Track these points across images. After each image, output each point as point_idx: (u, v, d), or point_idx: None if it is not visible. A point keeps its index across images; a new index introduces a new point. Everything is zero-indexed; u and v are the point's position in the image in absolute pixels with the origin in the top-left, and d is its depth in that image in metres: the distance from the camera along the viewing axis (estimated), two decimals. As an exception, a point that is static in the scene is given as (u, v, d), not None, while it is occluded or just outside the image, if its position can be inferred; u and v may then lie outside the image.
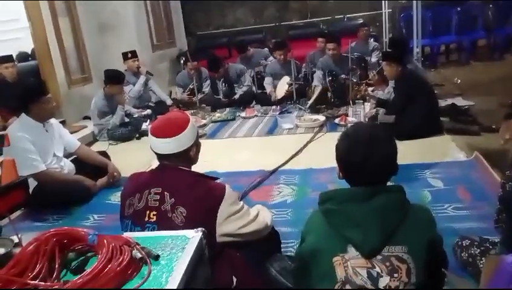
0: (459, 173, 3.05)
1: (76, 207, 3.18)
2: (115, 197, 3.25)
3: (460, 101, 4.78)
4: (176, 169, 1.66)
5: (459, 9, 7.55)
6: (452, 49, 8.05)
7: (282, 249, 2.06)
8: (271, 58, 6.55)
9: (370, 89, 5.10)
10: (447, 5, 7.72)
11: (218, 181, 1.72)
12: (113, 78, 4.75)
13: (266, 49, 7.17)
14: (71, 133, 3.93)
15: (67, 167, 3.37)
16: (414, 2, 6.06)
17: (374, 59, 6.34)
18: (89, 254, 1.17)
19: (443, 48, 7.89)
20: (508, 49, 7.51)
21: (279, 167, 3.54)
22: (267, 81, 5.87)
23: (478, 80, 5.96)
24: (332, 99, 5.27)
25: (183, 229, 1.40)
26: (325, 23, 8.83)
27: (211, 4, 9.56)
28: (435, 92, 4.35)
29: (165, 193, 1.59)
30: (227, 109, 5.76)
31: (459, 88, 5.53)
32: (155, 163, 1.73)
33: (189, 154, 1.70)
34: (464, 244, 1.93)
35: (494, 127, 3.69)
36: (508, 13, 7.50)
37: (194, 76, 5.73)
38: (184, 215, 1.55)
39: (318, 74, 5.64)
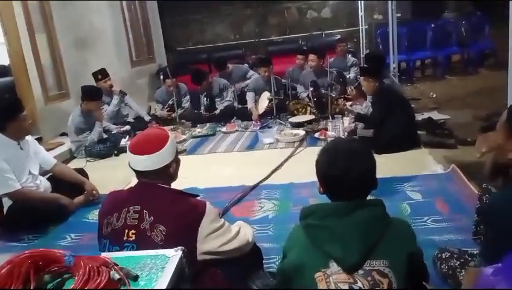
0: (437, 186, 3.10)
1: (53, 226, 3.10)
2: (93, 216, 3.18)
3: (436, 115, 4.88)
4: (155, 186, 1.64)
5: (433, 25, 7.78)
6: (427, 64, 8.26)
7: (264, 265, 2.04)
8: (251, 72, 6.60)
9: (348, 103, 5.18)
10: (422, 22, 7.96)
11: (198, 198, 1.71)
12: (91, 94, 4.69)
13: (246, 65, 7.21)
14: (47, 150, 3.85)
15: (43, 185, 3.29)
16: (390, 18, 6.21)
17: (352, 75, 6.45)
18: (66, 276, 1.13)
19: (419, 63, 8.09)
20: (481, 63, 7.76)
21: (260, 182, 3.54)
22: (250, 96, 5.85)
23: (453, 94, 6.12)
24: (313, 111, 5.42)
25: (163, 248, 1.36)
26: (304, 39, 8.97)
27: (190, 20, 9.61)
28: (412, 106, 4.44)
29: (144, 211, 1.57)
30: (208, 124, 5.74)
31: (435, 102, 5.66)
32: (134, 180, 1.71)
33: (169, 171, 1.69)
34: (444, 257, 1.95)
35: (469, 140, 3.78)
36: (480, 29, 7.78)
37: (173, 92, 5.71)
38: (164, 233, 1.52)
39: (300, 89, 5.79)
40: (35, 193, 3.15)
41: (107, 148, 4.78)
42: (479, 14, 8.04)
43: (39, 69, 5.35)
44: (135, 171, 1.66)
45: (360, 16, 7.92)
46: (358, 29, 8.07)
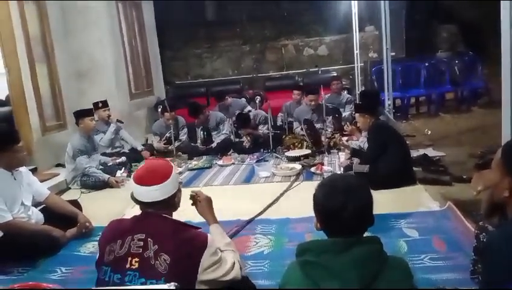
0: (434, 223, 3.07)
1: (43, 259, 3.02)
2: (85, 249, 3.12)
3: (431, 152, 4.91)
4: (159, 217, 1.68)
5: (427, 64, 7.95)
6: (422, 101, 8.39)
7: (259, 303, 2.00)
8: (248, 108, 6.69)
9: (344, 139, 5.21)
10: (416, 60, 8.14)
11: (199, 231, 1.73)
12: (82, 113, 4.79)
13: (243, 99, 7.31)
14: (42, 181, 3.81)
15: (36, 216, 3.23)
16: (384, 56, 6.34)
17: (347, 112, 6.53)
18: (54, 311, 1.11)
19: (413, 101, 8.22)
20: (474, 102, 7.88)
21: (256, 216, 3.50)
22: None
23: (447, 131, 6.18)
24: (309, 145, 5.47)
25: (166, 277, 1.43)
26: (300, 75, 9.14)
27: (189, 54, 9.80)
28: (407, 142, 4.47)
29: (149, 239, 1.59)
30: (204, 157, 5.74)
31: (430, 139, 5.70)
32: (128, 212, 1.72)
33: (174, 201, 1.76)
34: (441, 296, 1.91)
35: (465, 177, 3.78)
36: (473, 68, 7.97)
37: (171, 125, 5.75)
38: (167, 262, 1.54)
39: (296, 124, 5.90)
40: (26, 224, 3.09)
41: (103, 179, 4.74)
42: (472, 54, 8.26)
43: (38, 99, 5.40)
44: (140, 202, 1.70)
45: (355, 53, 8.11)
46: (354, 66, 8.25)
